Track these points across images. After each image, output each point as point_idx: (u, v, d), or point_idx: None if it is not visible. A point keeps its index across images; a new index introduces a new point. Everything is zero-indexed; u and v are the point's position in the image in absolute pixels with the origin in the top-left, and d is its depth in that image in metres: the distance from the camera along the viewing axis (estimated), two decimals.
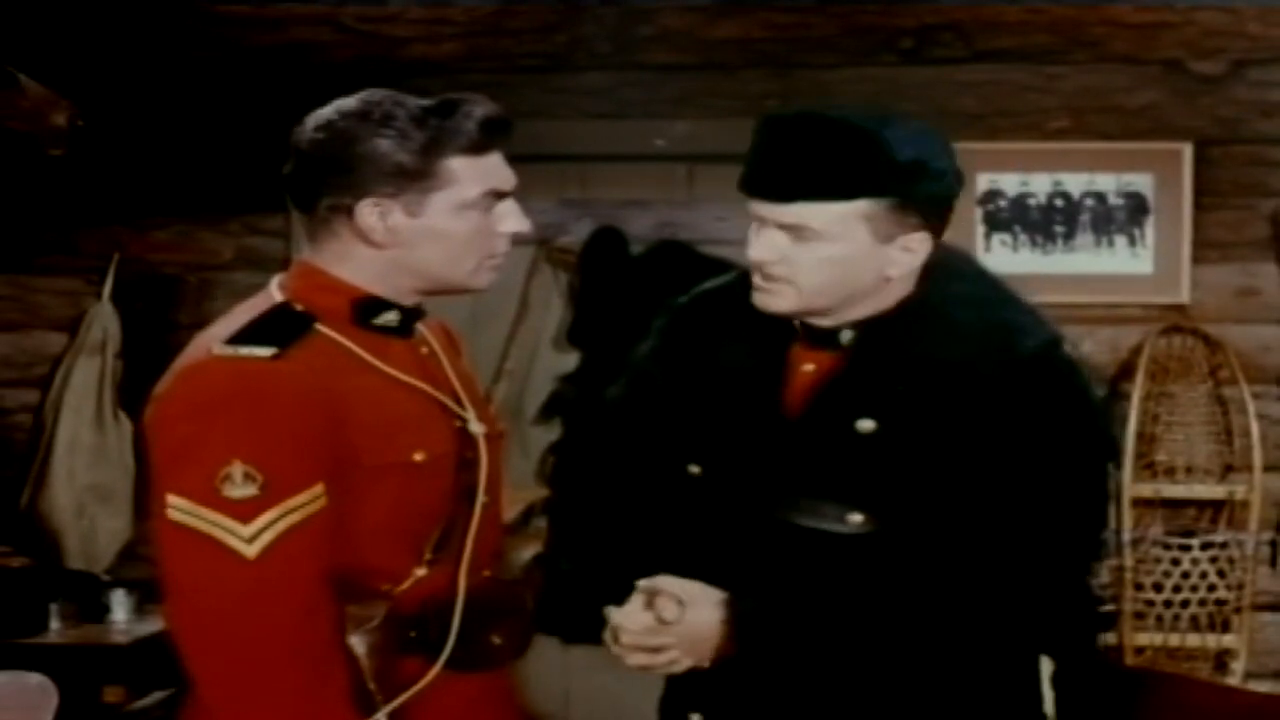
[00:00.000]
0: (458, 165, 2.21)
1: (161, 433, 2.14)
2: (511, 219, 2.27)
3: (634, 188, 4.69)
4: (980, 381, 2.23)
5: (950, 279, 2.33)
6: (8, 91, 4.15)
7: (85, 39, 4.65)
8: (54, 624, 4.18)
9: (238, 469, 2.07)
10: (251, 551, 2.07)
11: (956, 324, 2.28)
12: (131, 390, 4.56)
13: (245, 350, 2.13)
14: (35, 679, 3.24)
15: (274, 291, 2.25)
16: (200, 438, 2.10)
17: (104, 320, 4.65)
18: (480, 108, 2.22)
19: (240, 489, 2.07)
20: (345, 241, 2.22)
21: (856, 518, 2.24)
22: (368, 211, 2.19)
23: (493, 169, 2.24)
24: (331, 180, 2.19)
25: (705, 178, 4.64)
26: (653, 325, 2.51)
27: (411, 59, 4.65)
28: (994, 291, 2.35)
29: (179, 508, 2.08)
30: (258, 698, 2.09)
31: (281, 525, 2.08)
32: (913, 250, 2.28)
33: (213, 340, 2.17)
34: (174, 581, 2.12)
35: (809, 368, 2.32)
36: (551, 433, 4.47)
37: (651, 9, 4.64)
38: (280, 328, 2.17)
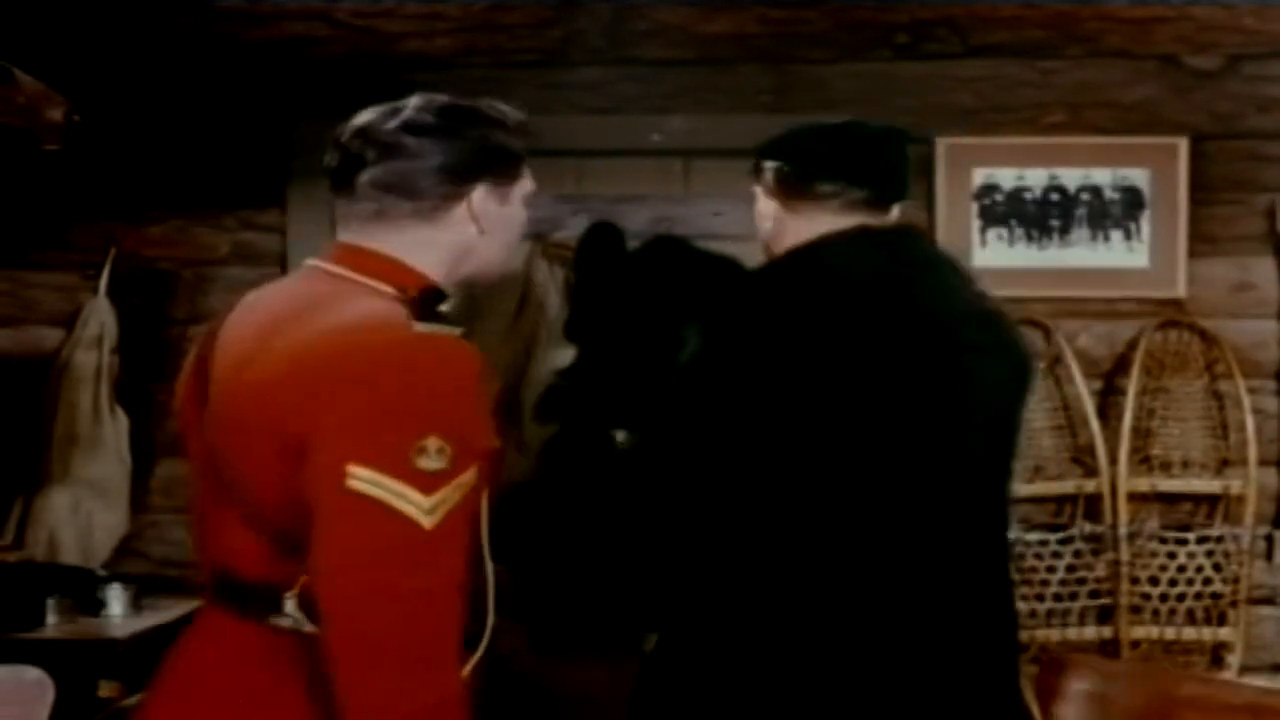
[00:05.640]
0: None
1: (351, 403, 2.09)
2: None
3: (630, 183, 4.68)
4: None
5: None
6: (3, 86, 4.14)
7: (81, 34, 4.64)
8: (50, 619, 4.17)
9: (433, 442, 2.07)
10: (429, 522, 2.06)
11: None
12: (128, 385, 4.57)
13: (441, 329, 2.17)
14: (32, 673, 3.25)
15: (369, 282, 2.25)
16: (405, 410, 2.09)
17: (100, 315, 4.63)
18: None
19: (433, 461, 2.07)
20: (439, 228, 2.29)
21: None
22: (480, 198, 2.30)
23: None
24: (450, 169, 2.28)
25: (701, 172, 4.64)
26: None
27: (406, 54, 4.65)
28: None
29: (362, 478, 2.05)
30: (419, 664, 2.06)
31: (453, 499, 2.09)
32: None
33: (393, 320, 2.17)
34: (346, 549, 2.07)
35: None
36: (548, 429, 4.46)
37: (646, 4, 4.64)
38: (427, 312, 2.21)
